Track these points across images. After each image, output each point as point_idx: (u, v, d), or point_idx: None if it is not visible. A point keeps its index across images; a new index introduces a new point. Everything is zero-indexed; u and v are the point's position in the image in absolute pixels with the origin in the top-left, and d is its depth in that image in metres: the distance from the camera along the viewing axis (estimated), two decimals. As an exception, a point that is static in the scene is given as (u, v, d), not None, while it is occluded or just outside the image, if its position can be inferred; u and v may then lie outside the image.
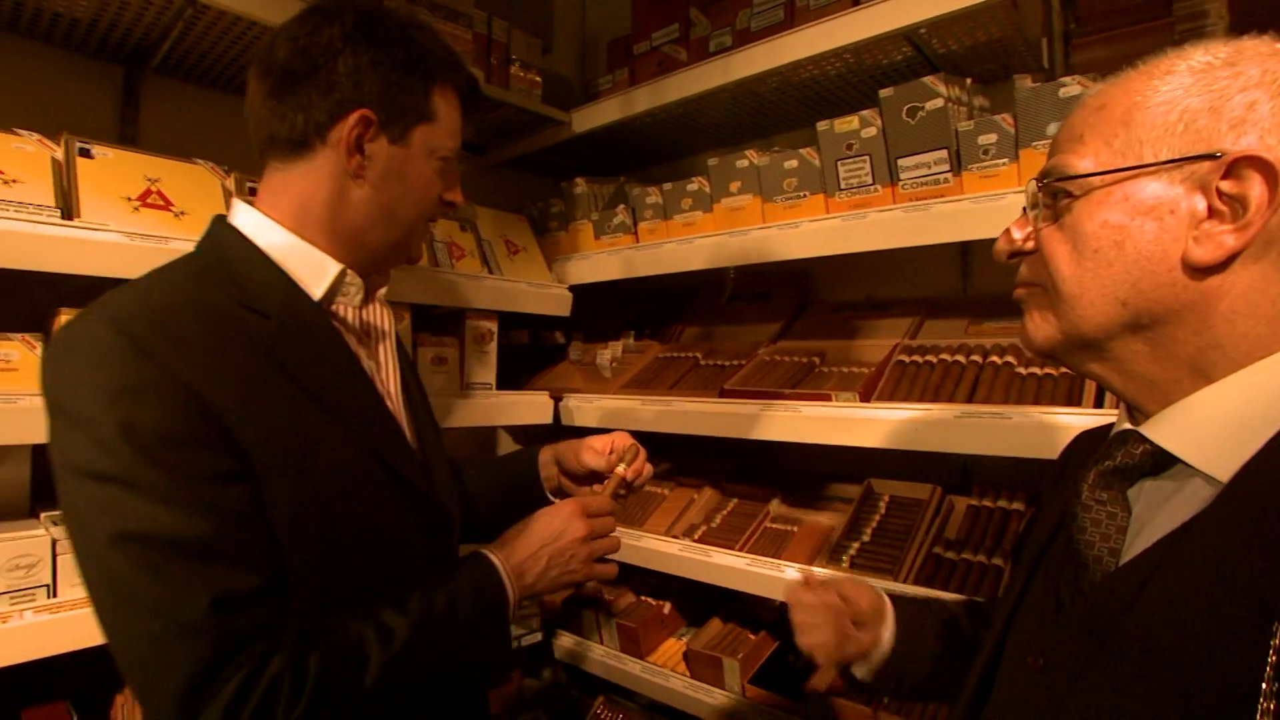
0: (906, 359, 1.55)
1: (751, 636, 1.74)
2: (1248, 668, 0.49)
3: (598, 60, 2.40)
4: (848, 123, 1.48)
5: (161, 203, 1.31)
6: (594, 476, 1.27)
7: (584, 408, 1.88)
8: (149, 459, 0.75)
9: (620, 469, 1.20)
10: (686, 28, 1.88)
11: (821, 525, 1.66)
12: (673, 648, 1.82)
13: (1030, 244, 0.71)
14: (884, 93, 1.42)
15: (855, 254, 1.47)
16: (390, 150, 0.98)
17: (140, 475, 0.75)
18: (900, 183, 1.43)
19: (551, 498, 1.31)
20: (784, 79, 1.69)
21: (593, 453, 1.25)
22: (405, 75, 0.97)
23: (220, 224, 0.97)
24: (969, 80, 1.45)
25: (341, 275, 0.98)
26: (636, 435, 1.28)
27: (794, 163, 1.56)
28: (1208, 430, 0.61)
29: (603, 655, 1.84)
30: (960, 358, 1.49)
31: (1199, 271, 0.60)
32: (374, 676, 0.82)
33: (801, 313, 1.92)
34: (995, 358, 1.45)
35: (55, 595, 1.19)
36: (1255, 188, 0.57)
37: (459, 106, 1.05)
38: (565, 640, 1.92)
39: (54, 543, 1.19)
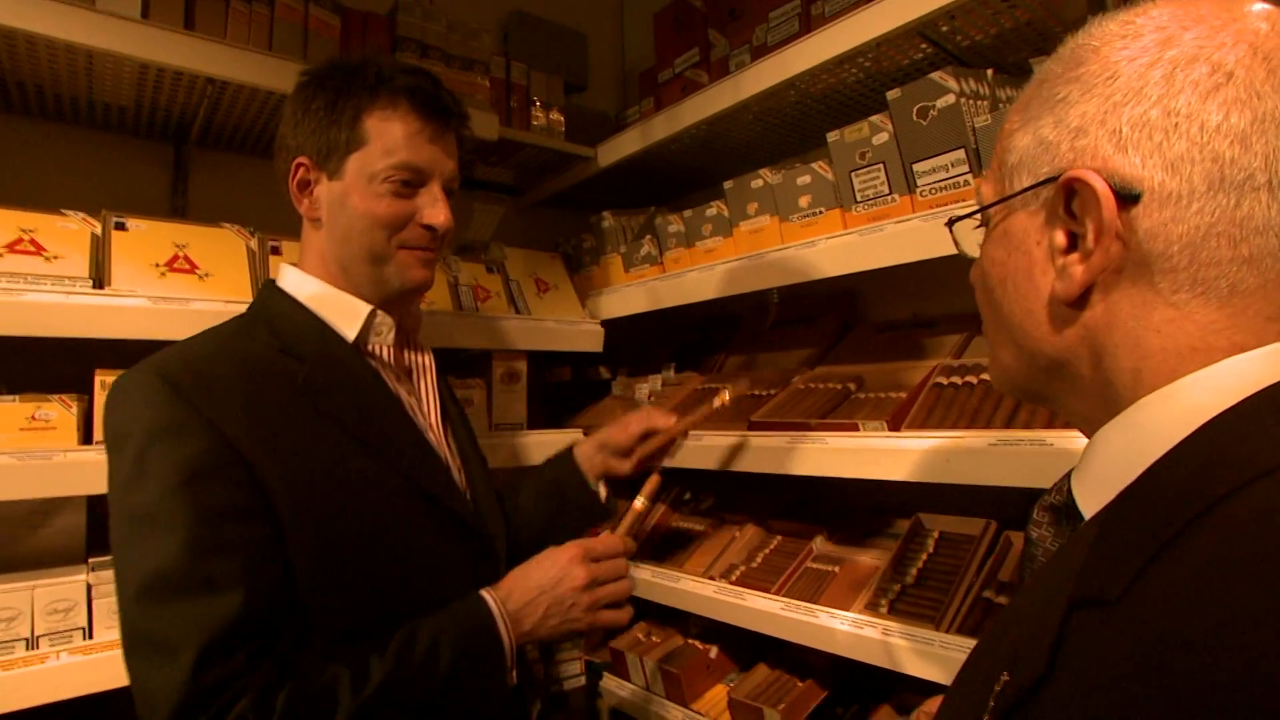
0: (944, 381, 1.41)
1: (799, 684, 1.61)
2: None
3: (634, 93, 2.39)
4: (857, 130, 1.38)
5: (187, 266, 1.40)
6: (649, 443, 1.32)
7: (619, 444, 1.83)
8: (173, 493, 0.83)
9: (639, 503, 1.13)
10: (706, 50, 1.84)
11: (865, 565, 1.53)
12: (719, 694, 1.72)
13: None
14: (891, 94, 1.32)
15: (900, 269, 1.35)
16: (330, 186, 1.05)
17: (162, 508, 0.82)
18: (918, 190, 1.32)
19: (600, 487, 1.33)
20: (802, 92, 1.61)
21: (637, 419, 1.29)
22: (329, 113, 1.02)
23: (268, 286, 1.09)
24: (990, 72, 1.31)
25: (372, 316, 1.06)
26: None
27: (807, 178, 1.47)
28: (1092, 473, 0.54)
29: (646, 701, 1.77)
30: (1003, 377, 1.33)
31: (1069, 307, 0.53)
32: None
33: (844, 335, 1.80)
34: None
35: (91, 637, 1.27)
36: (1090, 210, 0.50)
37: (413, 119, 1.03)
38: (608, 683, 1.86)
39: (89, 587, 1.28)
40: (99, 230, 1.38)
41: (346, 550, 0.91)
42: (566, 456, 1.35)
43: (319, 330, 1.02)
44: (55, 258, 1.30)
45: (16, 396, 1.24)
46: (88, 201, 1.45)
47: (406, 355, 1.16)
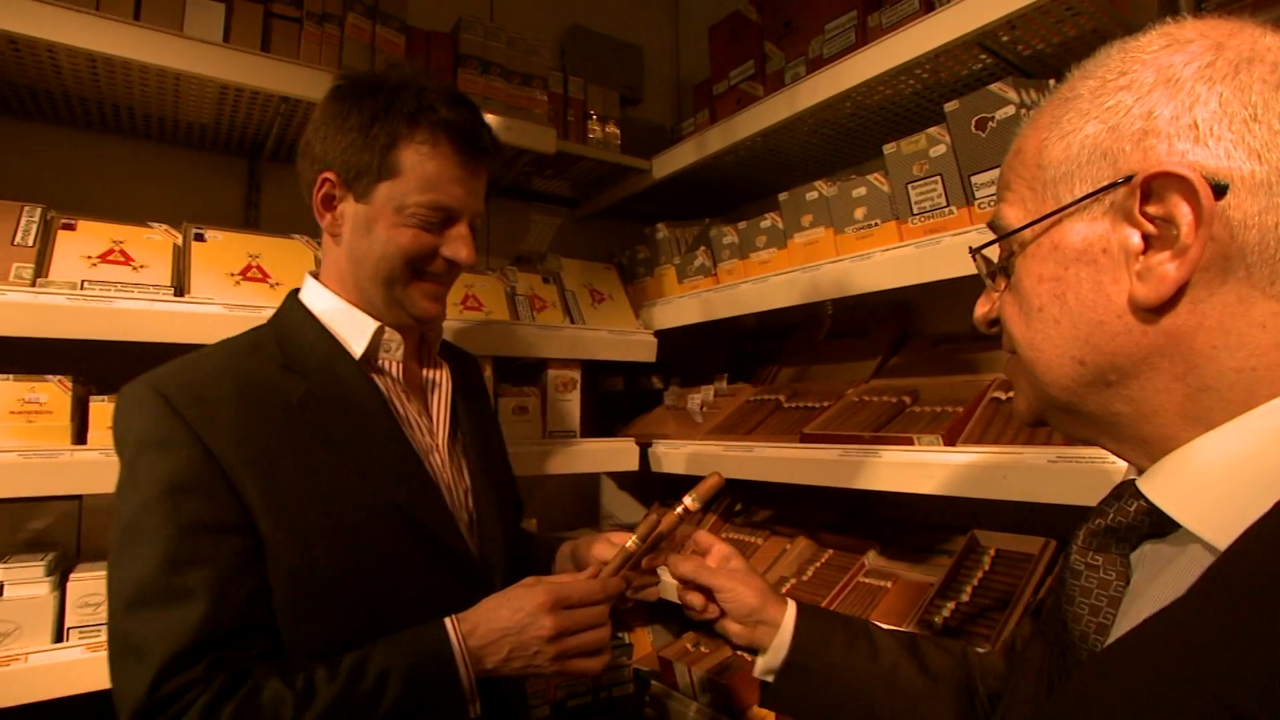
0: (1003, 395, 1.38)
1: (849, 702, 1.59)
2: None
3: (689, 106, 2.41)
4: (914, 143, 1.37)
5: (259, 276, 1.47)
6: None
7: (671, 454, 1.85)
8: (156, 503, 0.85)
9: (631, 543, 1.02)
10: (762, 63, 1.85)
11: (918, 581, 1.50)
12: (767, 708, 1.71)
13: (995, 312, 0.64)
14: (949, 106, 1.30)
15: (957, 281, 1.34)
16: (356, 208, 1.02)
17: (145, 518, 0.85)
18: (977, 202, 1.30)
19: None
20: (858, 104, 1.61)
21: (607, 545, 1.12)
22: (362, 135, 0.99)
23: (290, 296, 1.09)
24: (1053, 82, 1.29)
25: (379, 332, 1.05)
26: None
27: (862, 190, 1.47)
28: (1205, 486, 0.50)
29: (695, 713, 1.77)
30: (1064, 393, 1.30)
31: (1152, 312, 0.50)
32: None
33: (899, 348, 1.78)
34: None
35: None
36: (1180, 206, 0.48)
37: (452, 160, 1.01)
38: (657, 691, 1.87)
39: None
40: (180, 241, 1.46)
41: (324, 570, 0.90)
42: (548, 560, 1.27)
43: (326, 345, 1.02)
44: (141, 267, 1.38)
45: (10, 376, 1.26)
46: (170, 213, 1.54)
47: (425, 371, 1.14)
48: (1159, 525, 0.53)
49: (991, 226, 0.62)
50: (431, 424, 1.11)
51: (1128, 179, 0.51)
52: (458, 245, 1.04)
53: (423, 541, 0.99)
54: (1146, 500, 0.53)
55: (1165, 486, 0.52)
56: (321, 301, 1.06)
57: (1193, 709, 0.41)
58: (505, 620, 0.94)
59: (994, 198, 1.27)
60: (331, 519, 0.92)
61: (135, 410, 0.90)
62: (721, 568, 1.00)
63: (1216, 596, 0.45)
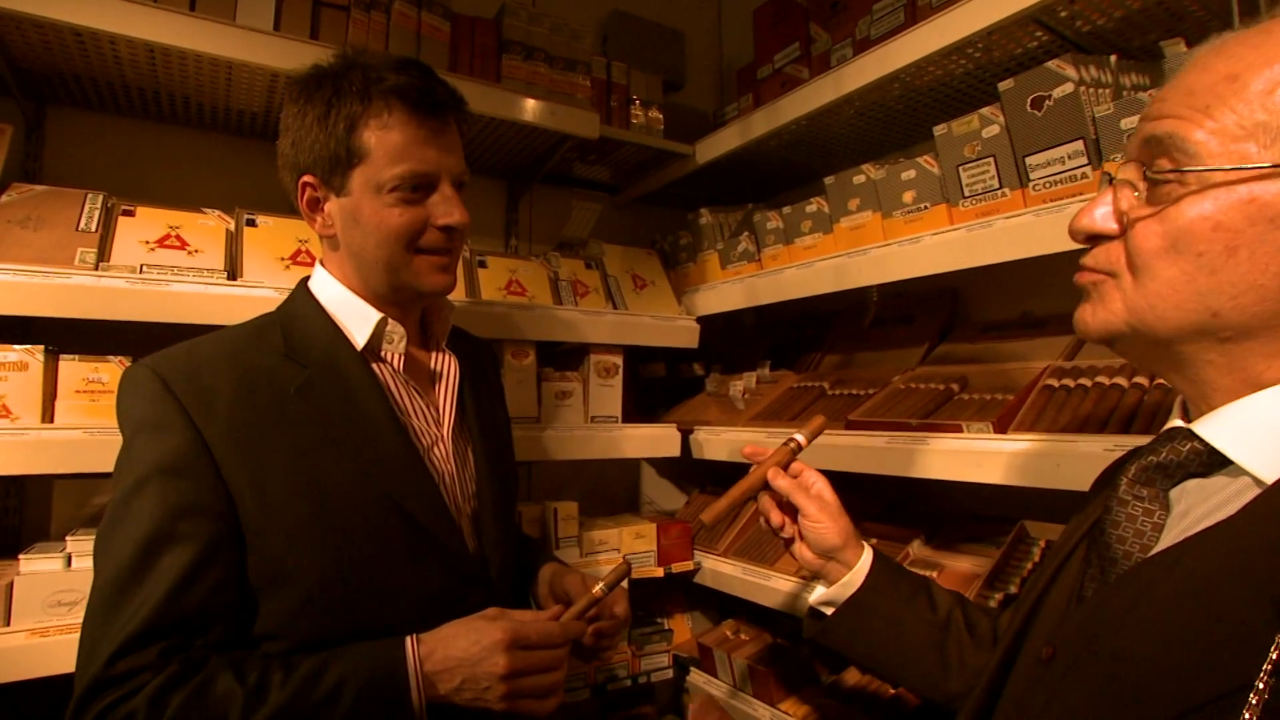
0: (1056, 383, 1.35)
1: (891, 691, 1.58)
2: (1249, 665, 0.46)
3: (732, 91, 2.39)
4: (966, 123, 1.34)
5: (309, 260, 1.50)
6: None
7: (712, 440, 1.84)
8: (145, 483, 0.87)
9: (597, 589, 1.01)
10: (807, 45, 1.82)
11: (964, 571, 1.48)
12: (806, 695, 1.71)
13: (1113, 227, 0.62)
14: (1003, 85, 1.27)
15: (1007, 266, 1.30)
16: (340, 203, 1.01)
17: (135, 495, 0.86)
18: (1031, 183, 1.26)
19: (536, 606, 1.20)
20: (907, 85, 1.57)
21: (578, 581, 1.11)
22: (322, 128, 0.98)
23: (300, 285, 1.09)
24: (1114, 58, 1.25)
25: (382, 324, 1.04)
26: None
27: (912, 173, 1.44)
28: (1264, 430, 0.55)
29: (732, 698, 1.77)
30: (1121, 380, 1.26)
31: None
32: None
33: (947, 335, 1.74)
34: (1163, 380, 1.22)
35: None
36: None
37: (411, 124, 0.98)
38: (696, 678, 1.87)
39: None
40: (232, 226, 1.50)
41: (307, 560, 0.90)
42: (530, 577, 1.23)
43: (329, 336, 1.02)
44: (196, 251, 1.42)
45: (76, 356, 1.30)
46: (222, 199, 1.57)
47: (435, 359, 1.13)
48: (1207, 464, 0.59)
49: (1158, 141, 0.58)
50: (438, 415, 1.10)
51: None
52: (446, 209, 1.01)
53: (414, 534, 0.98)
54: (1201, 441, 0.59)
55: (1225, 430, 0.57)
56: (329, 291, 1.06)
57: (1240, 599, 0.49)
58: (462, 650, 0.91)
59: (1049, 179, 1.23)
60: (318, 510, 0.92)
61: (135, 392, 0.92)
62: (816, 495, 1.03)
63: (1265, 515, 0.51)
